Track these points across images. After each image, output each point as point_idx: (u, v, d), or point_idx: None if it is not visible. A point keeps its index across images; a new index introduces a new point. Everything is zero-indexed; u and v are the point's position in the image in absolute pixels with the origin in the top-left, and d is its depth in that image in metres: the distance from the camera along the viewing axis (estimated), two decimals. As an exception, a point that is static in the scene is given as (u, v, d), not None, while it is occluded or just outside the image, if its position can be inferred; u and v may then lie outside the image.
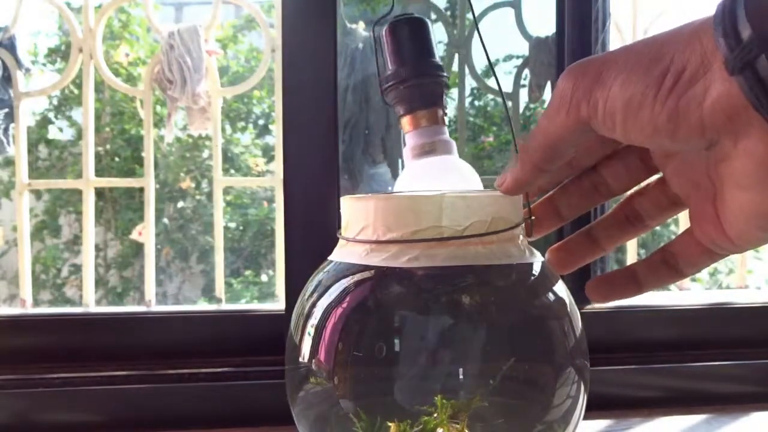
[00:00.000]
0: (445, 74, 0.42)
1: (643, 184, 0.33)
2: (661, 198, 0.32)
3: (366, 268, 0.32)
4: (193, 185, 2.45)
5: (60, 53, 2.43)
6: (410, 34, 0.41)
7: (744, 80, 0.21)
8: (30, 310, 0.72)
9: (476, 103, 2.43)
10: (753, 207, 0.25)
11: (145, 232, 0.79)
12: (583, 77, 0.26)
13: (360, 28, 0.90)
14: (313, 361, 0.33)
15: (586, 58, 0.27)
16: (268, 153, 2.53)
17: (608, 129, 0.26)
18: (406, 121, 0.42)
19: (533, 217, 0.35)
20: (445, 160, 0.43)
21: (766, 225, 0.25)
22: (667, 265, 0.32)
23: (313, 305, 0.34)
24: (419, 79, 0.41)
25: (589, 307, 0.66)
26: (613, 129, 0.26)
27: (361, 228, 0.32)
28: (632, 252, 0.87)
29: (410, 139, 0.43)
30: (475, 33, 0.88)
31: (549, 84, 0.77)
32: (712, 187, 0.28)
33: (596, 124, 0.26)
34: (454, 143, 0.43)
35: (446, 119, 0.43)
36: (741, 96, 0.22)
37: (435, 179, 0.43)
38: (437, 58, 0.42)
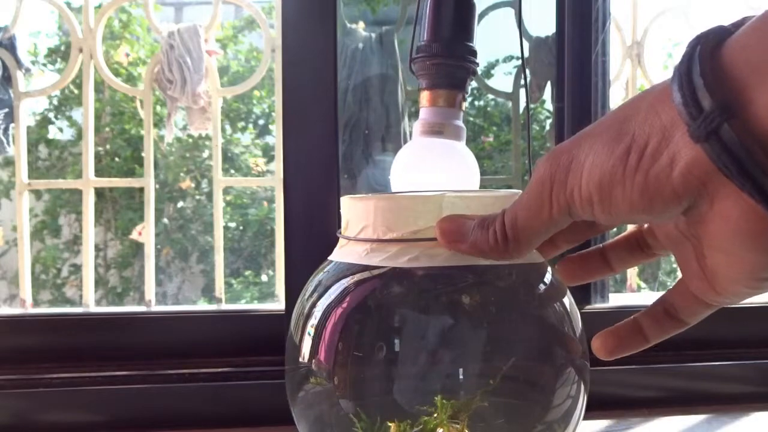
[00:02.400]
0: (476, 61, 0.42)
1: None
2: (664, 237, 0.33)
3: (366, 268, 0.32)
4: (193, 185, 2.45)
5: (60, 53, 2.43)
6: (454, 12, 0.41)
7: (710, 148, 0.21)
8: (30, 310, 0.72)
9: (476, 103, 2.43)
10: (733, 267, 0.25)
11: (145, 232, 0.79)
12: (557, 168, 0.27)
13: (360, 28, 0.90)
14: (313, 361, 0.33)
15: (560, 144, 0.27)
16: (268, 153, 2.53)
17: (588, 214, 0.26)
18: (424, 96, 0.42)
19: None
20: (450, 144, 0.43)
21: (750, 283, 0.25)
22: (669, 315, 0.32)
23: (313, 305, 0.34)
24: (449, 59, 0.41)
25: (589, 307, 0.66)
26: (592, 214, 0.26)
27: (361, 228, 0.32)
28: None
29: (423, 114, 0.42)
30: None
31: (549, 84, 0.77)
32: (693, 245, 0.28)
33: (576, 213, 0.26)
34: (464, 130, 0.43)
35: (464, 105, 0.43)
36: (709, 161, 0.22)
37: (436, 161, 0.43)
38: (473, 43, 0.42)
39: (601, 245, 0.35)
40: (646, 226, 0.34)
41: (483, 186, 0.45)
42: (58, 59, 2.43)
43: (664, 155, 0.23)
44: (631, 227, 0.35)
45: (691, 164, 0.22)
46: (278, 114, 0.67)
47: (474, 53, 0.41)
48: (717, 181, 0.22)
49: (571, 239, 0.34)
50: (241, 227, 2.50)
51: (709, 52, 0.22)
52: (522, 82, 0.42)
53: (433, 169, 0.44)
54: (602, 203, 0.25)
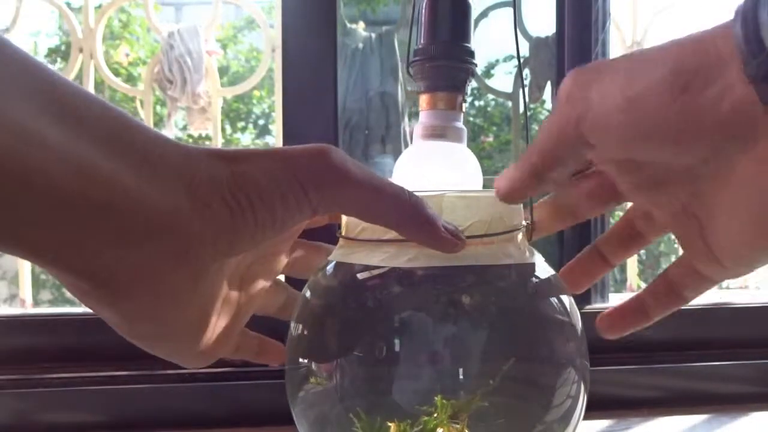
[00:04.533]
0: (474, 62, 0.42)
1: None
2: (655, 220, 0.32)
3: (366, 268, 0.32)
4: (193, 185, 2.44)
5: (60, 53, 2.43)
6: (450, 13, 0.41)
7: (765, 88, 0.21)
8: (30, 310, 0.72)
9: (476, 103, 2.43)
10: (749, 226, 0.24)
11: (145, 232, 0.79)
12: (582, 75, 0.26)
13: (360, 28, 0.90)
14: (313, 361, 0.33)
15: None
16: (268, 153, 2.53)
17: (601, 128, 0.25)
18: (423, 99, 0.42)
19: (534, 221, 0.35)
20: (452, 147, 0.43)
21: (765, 243, 0.25)
22: (671, 291, 0.32)
23: (313, 305, 0.34)
24: (447, 61, 0.41)
25: (589, 307, 0.66)
26: (606, 129, 0.25)
27: (361, 228, 0.32)
28: (632, 252, 0.88)
29: (424, 117, 0.42)
30: (476, 33, 0.87)
31: (549, 84, 0.77)
32: (698, 220, 0.27)
33: (587, 125, 0.25)
34: (465, 132, 0.43)
35: (464, 106, 0.43)
36: (760, 103, 0.21)
37: (438, 164, 0.43)
38: (470, 43, 0.42)
39: (591, 244, 0.35)
40: (636, 212, 0.33)
41: (483, 186, 0.45)
42: (58, 59, 2.43)
43: (717, 85, 0.22)
44: (619, 220, 0.35)
45: (744, 101, 0.22)
46: (278, 114, 0.67)
47: (472, 54, 0.41)
48: (764, 124, 0.22)
49: (588, 206, 0.33)
50: (241, 227, 2.50)
51: None
52: (521, 82, 0.42)
53: (436, 173, 0.44)
54: (628, 115, 0.24)
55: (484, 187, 0.45)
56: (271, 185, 0.24)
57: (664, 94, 0.23)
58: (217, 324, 0.28)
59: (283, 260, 0.34)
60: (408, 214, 0.27)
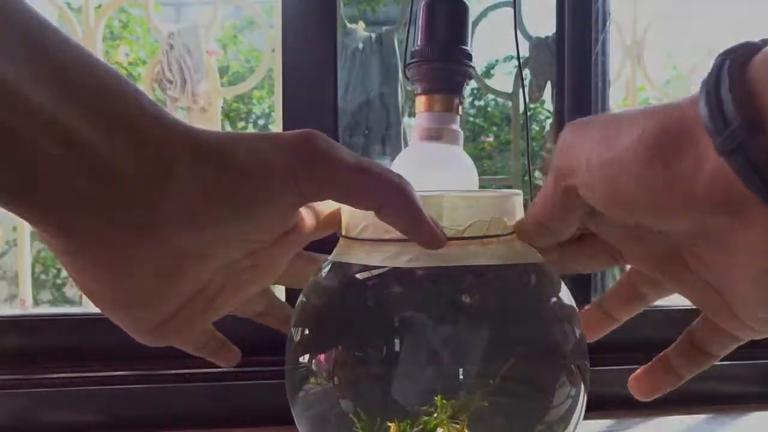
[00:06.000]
0: (471, 65, 0.42)
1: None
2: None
3: (366, 268, 0.32)
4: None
5: (60, 53, 2.43)
6: (447, 16, 0.41)
7: (735, 162, 0.21)
8: (30, 310, 0.72)
9: (476, 103, 2.43)
10: (764, 289, 0.24)
11: (145, 232, 0.79)
12: (573, 130, 0.27)
13: (360, 28, 0.90)
14: (313, 361, 0.33)
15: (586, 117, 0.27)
16: (268, 153, 2.53)
17: (587, 186, 0.26)
18: (420, 101, 0.42)
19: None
20: (448, 149, 0.43)
21: None
22: (697, 349, 0.32)
23: (313, 305, 0.34)
24: (444, 63, 0.41)
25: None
26: (591, 188, 0.25)
27: (361, 228, 0.32)
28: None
29: (420, 119, 0.42)
30: (476, 33, 0.87)
31: (549, 84, 0.77)
32: (710, 283, 0.27)
33: (577, 181, 0.26)
34: (461, 134, 0.43)
35: (461, 109, 0.43)
36: (734, 175, 0.21)
37: (434, 166, 0.44)
38: (468, 46, 0.42)
39: (596, 301, 0.36)
40: (639, 273, 0.33)
41: (483, 186, 0.45)
42: (58, 59, 2.42)
43: (690, 157, 0.22)
44: (619, 280, 0.35)
45: (719, 172, 0.22)
46: (278, 114, 0.67)
47: (469, 56, 0.41)
48: (743, 194, 0.21)
49: (588, 266, 0.34)
50: (241, 227, 2.49)
51: (738, 68, 0.21)
52: (521, 82, 0.42)
53: (432, 175, 0.44)
54: (604, 178, 0.24)
55: (483, 185, 0.45)
56: (256, 166, 0.24)
57: (634, 162, 0.23)
58: (180, 313, 0.28)
59: (277, 274, 0.33)
60: (393, 193, 0.27)
